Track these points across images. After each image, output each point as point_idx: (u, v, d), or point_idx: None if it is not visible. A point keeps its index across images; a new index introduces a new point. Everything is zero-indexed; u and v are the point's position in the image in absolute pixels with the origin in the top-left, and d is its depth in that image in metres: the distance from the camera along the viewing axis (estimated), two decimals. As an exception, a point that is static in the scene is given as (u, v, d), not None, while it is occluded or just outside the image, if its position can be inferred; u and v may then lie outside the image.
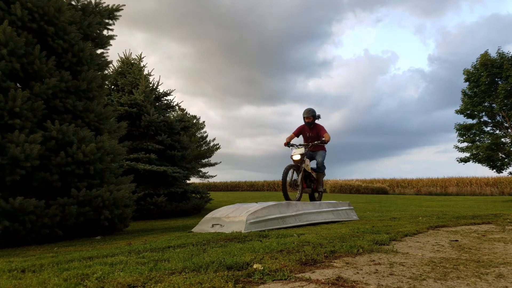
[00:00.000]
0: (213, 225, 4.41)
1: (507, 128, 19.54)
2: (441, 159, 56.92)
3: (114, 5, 6.33)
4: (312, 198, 6.57)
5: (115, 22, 6.43)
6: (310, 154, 6.42)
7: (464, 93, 20.71)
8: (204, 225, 4.54)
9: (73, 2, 6.00)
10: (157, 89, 12.05)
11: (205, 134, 24.05)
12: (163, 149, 10.78)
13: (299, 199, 5.74)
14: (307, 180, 6.19)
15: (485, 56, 19.33)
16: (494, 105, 19.30)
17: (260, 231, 3.98)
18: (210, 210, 7.40)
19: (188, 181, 12.45)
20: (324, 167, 6.41)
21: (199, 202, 11.13)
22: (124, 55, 12.76)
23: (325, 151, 6.49)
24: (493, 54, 19.41)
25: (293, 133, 6.48)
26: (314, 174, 6.34)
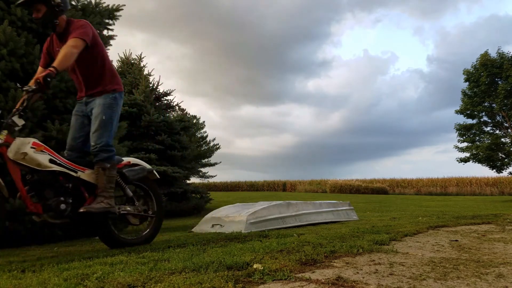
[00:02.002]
0: (213, 225, 4.42)
1: (507, 128, 19.55)
2: (441, 159, 57.08)
3: (114, 5, 6.32)
4: (105, 238, 3.00)
5: (115, 22, 6.42)
6: (84, 110, 2.93)
7: (464, 93, 20.73)
8: (204, 225, 4.54)
9: (73, 2, 6.00)
10: (157, 89, 12.08)
11: (205, 134, 24.01)
12: (163, 149, 10.78)
13: None
14: (45, 193, 2.62)
15: (485, 56, 19.35)
16: (494, 105, 19.31)
17: (260, 231, 3.98)
18: (210, 210, 7.39)
19: (188, 181, 12.46)
20: (110, 148, 2.80)
21: (199, 202, 11.14)
22: (124, 55, 12.79)
23: (114, 97, 2.87)
24: (493, 54, 19.45)
25: (42, 59, 3.02)
26: (86, 175, 2.77)
